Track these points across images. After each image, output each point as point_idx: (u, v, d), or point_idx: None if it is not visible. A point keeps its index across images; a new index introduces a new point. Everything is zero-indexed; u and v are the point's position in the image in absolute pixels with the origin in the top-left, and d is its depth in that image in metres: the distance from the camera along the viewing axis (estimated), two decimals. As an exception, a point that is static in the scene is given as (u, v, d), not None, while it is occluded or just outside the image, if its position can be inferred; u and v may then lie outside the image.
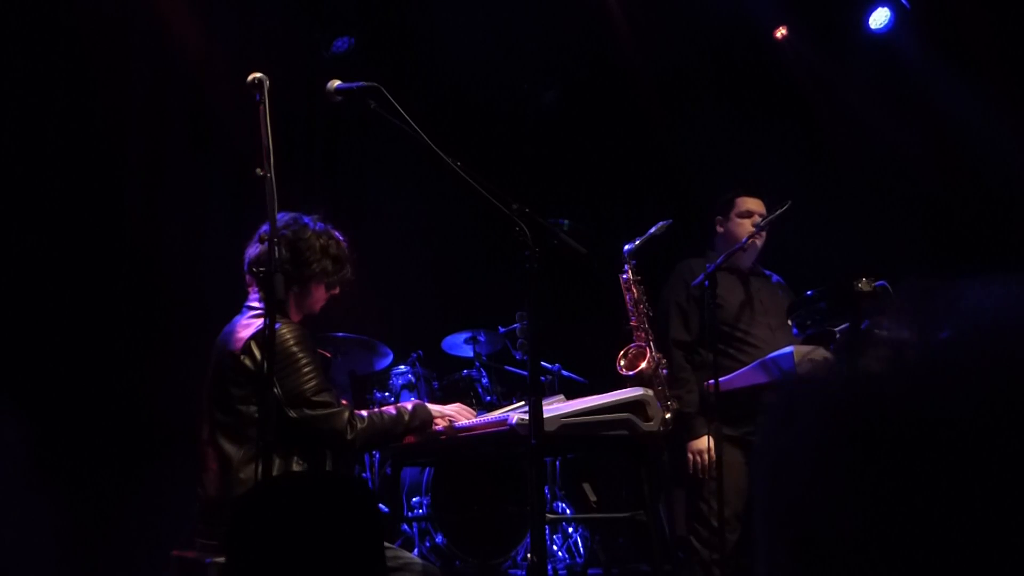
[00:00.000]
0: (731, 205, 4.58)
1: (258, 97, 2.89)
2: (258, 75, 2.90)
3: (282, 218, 3.35)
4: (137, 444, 5.26)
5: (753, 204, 4.57)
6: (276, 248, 2.83)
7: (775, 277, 4.68)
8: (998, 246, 5.79)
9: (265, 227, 3.32)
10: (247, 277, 3.38)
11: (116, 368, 5.37)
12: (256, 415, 3.12)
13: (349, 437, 3.18)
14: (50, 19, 5.45)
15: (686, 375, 4.33)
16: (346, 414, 3.20)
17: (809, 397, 0.69)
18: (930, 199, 6.21)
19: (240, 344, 3.20)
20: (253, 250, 3.32)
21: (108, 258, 5.54)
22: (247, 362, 3.17)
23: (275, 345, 3.06)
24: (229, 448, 3.17)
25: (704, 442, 4.24)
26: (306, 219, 3.40)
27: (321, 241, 3.37)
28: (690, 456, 4.28)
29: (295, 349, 3.17)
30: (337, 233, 3.46)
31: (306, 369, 3.17)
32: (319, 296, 3.44)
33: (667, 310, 4.44)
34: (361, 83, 3.06)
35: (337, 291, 3.49)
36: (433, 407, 3.46)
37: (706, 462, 4.23)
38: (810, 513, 0.65)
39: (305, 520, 1.57)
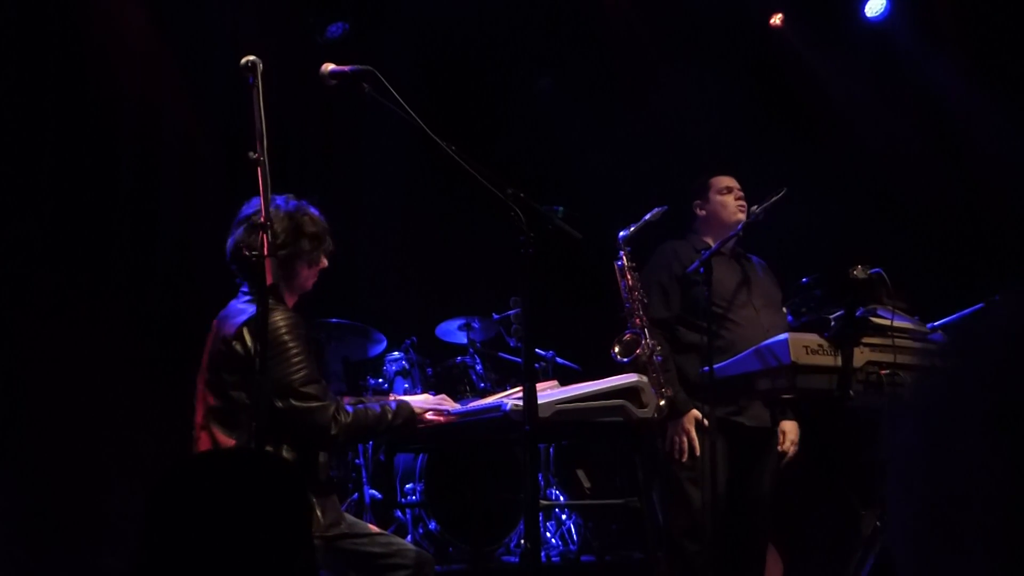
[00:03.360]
0: (707, 186, 4.59)
1: (251, 80, 2.86)
2: (251, 58, 2.87)
3: (255, 203, 3.30)
4: (128, 426, 5.25)
5: (728, 180, 4.59)
6: (267, 233, 2.80)
7: (755, 259, 4.67)
8: (992, 233, 5.79)
9: (242, 212, 3.31)
10: (232, 266, 3.35)
11: (109, 356, 5.36)
12: (247, 401, 3.11)
13: (332, 432, 3.16)
14: (45, 5, 5.41)
15: (666, 354, 4.31)
16: (331, 408, 3.17)
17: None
18: (925, 186, 6.20)
19: (233, 329, 3.19)
20: (232, 238, 3.29)
21: (100, 242, 5.52)
22: (238, 348, 3.15)
23: (268, 335, 3.05)
24: (222, 434, 3.16)
25: (686, 422, 4.21)
26: (278, 200, 3.32)
27: (295, 220, 3.32)
28: (669, 435, 4.22)
29: (286, 338, 3.14)
30: (312, 208, 3.40)
31: (296, 359, 3.14)
32: (305, 274, 3.39)
33: (647, 289, 4.42)
34: (355, 66, 3.04)
35: (325, 264, 3.44)
36: (415, 402, 3.44)
37: (685, 444, 4.20)
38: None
39: (224, 501, 1.52)
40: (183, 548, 1.49)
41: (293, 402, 3.13)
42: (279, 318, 3.15)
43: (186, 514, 1.51)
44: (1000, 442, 0.63)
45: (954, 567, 0.64)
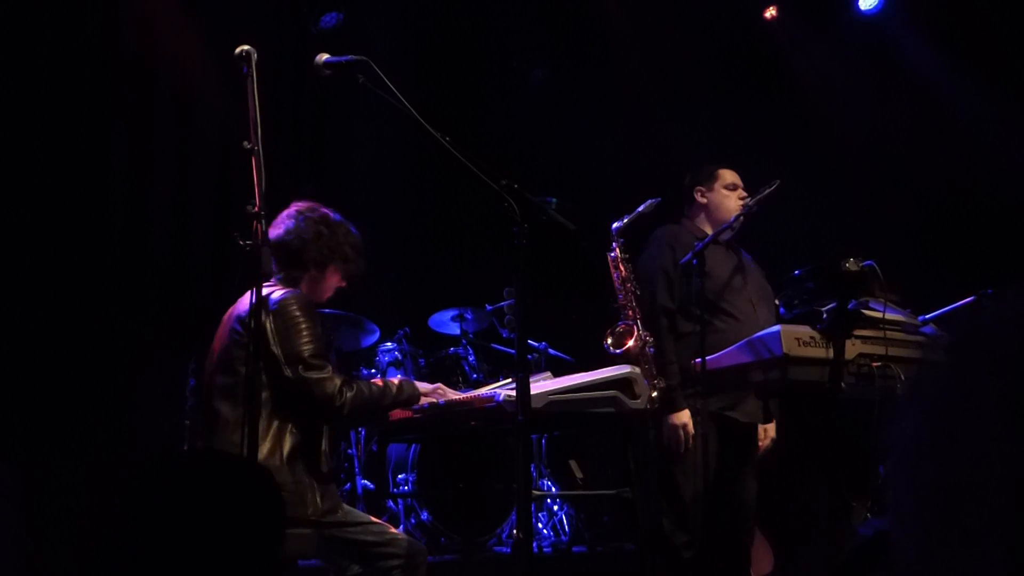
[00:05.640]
0: (715, 177, 4.57)
1: (245, 70, 2.88)
2: (245, 47, 2.89)
3: (301, 206, 3.47)
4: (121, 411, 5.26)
5: (734, 176, 4.58)
6: (261, 223, 2.82)
7: (746, 255, 4.67)
8: (984, 226, 5.81)
9: (289, 209, 3.45)
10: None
11: (104, 350, 5.35)
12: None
13: (338, 403, 3.24)
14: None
15: (669, 344, 4.31)
16: (338, 380, 3.27)
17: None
18: (918, 179, 6.22)
19: (248, 309, 3.25)
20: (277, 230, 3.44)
21: (94, 228, 5.51)
22: (251, 323, 3.21)
23: (282, 311, 3.22)
24: (225, 409, 3.23)
25: (684, 416, 4.22)
26: (337, 216, 3.54)
27: (343, 228, 3.52)
28: (665, 430, 4.24)
29: (298, 314, 3.26)
30: (352, 228, 3.59)
31: (306, 333, 3.25)
32: (332, 276, 3.54)
33: (652, 276, 4.39)
34: (350, 56, 3.04)
35: (344, 284, 3.61)
36: (421, 385, 3.50)
37: (681, 437, 4.21)
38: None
39: (193, 506, 1.49)
40: (138, 551, 1.46)
41: (302, 372, 3.21)
42: (292, 299, 3.28)
43: (146, 518, 1.48)
44: (1016, 427, 0.63)
45: (961, 554, 0.64)
